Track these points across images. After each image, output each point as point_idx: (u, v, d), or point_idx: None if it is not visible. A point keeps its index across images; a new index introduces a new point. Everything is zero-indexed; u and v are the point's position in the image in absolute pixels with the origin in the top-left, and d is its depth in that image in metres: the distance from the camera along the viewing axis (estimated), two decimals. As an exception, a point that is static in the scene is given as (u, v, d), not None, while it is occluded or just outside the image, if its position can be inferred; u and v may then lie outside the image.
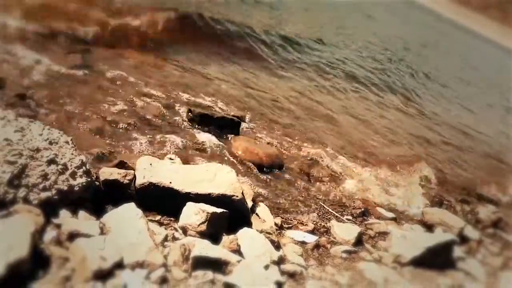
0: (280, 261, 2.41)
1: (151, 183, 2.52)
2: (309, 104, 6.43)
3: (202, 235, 2.33)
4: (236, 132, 4.28)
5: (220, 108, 4.82)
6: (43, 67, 4.16)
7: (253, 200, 2.99)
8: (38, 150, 2.16)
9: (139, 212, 2.18)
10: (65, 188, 2.16)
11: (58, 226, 2.00)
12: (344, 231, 3.06)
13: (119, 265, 1.85)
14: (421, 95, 10.38)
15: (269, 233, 2.63)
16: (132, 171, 2.63)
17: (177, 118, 4.16)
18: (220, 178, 2.71)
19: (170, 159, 3.02)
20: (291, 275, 2.37)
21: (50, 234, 1.93)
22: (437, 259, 2.95)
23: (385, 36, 18.09)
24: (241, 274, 2.08)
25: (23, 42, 4.56)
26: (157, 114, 4.08)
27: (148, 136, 3.64)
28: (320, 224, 3.14)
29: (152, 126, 3.85)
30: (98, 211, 2.26)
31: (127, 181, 2.56)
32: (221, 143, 3.98)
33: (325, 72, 8.61)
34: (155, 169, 2.62)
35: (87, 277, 1.74)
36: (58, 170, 2.17)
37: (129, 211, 2.18)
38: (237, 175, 2.88)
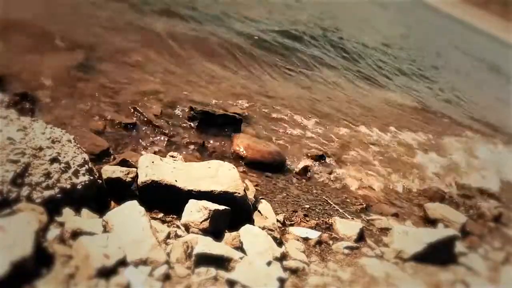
0: (283, 257, 2.42)
1: (153, 181, 2.52)
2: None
3: (205, 232, 2.34)
4: (238, 130, 4.28)
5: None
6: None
7: (255, 197, 3.00)
8: (41, 148, 2.17)
9: (142, 209, 2.19)
10: (68, 186, 2.17)
11: (61, 224, 2.01)
12: (346, 227, 3.07)
13: (122, 263, 1.86)
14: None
15: (271, 230, 2.64)
16: (134, 169, 2.64)
17: (178, 117, 4.17)
18: (222, 175, 2.72)
19: (172, 156, 3.03)
20: (294, 271, 2.38)
21: (53, 232, 1.94)
22: (439, 254, 2.96)
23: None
24: (243, 271, 2.09)
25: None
26: (157, 113, 4.08)
27: (150, 134, 3.65)
28: (322, 220, 3.15)
29: (154, 125, 3.85)
30: (101, 209, 2.28)
31: (130, 179, 2.57)
32: (223, 140, 3.99)
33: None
34: (157, 167, 2.62)
35: (90, 274, 1.75)
36: (61, 169, 2.18)
37: (132, 208, 2.18)
38: (239, 172, 2.89)
